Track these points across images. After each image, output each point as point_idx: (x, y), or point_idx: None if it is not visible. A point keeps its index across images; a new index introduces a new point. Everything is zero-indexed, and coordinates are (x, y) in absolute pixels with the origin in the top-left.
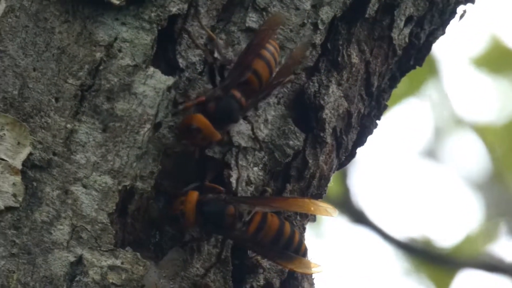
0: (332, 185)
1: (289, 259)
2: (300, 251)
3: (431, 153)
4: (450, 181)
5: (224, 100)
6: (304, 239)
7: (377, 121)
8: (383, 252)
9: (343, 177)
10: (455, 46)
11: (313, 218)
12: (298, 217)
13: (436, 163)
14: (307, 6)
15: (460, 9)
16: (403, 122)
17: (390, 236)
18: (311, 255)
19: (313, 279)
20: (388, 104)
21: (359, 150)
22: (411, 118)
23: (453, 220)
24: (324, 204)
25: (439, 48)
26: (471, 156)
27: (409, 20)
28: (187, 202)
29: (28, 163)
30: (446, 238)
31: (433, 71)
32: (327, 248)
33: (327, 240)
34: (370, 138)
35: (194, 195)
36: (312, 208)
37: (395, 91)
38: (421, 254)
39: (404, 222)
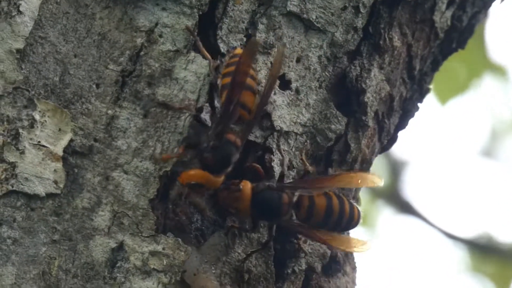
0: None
1: (338, 239)
2: (353, 219)
3: (488, 151)
4: (506, 178)
5: (221, 149)
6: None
7: (419, 104)
8: (442, 248)
9: (396, 171)
10: None
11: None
12: None
13: (493, 161)
14: None
15: None
16: (460, 118)
17: (443, 230)
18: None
19: (355, 263)
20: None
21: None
22: (468, 114)
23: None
24: (369, 175)
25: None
26: None
27: (451, 2)
28: (241, 200)
29: (69, 150)
30: (504, 233)
31: (496, 70)
32: (376, 239)
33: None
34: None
35: (247, 190)
36: (359, 181)
37: (452, 85)
38: (479, 248)
39: (461, 217)
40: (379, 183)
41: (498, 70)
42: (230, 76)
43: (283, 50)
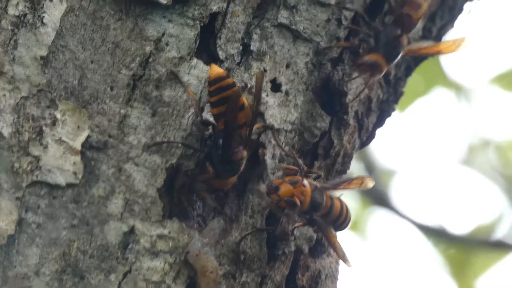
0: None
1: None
2: (349, 222)
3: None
4: (478, 180)
5: (233, 168)
6: None
7: (394, 106)
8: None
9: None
10: (478, 67)
11: None
12: None
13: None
14: (332, 2)
15: (467, 6)
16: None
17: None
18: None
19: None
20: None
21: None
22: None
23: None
24: (369, 178)
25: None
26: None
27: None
28: (306, 195)
29: (87, 145)
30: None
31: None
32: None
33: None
34: (389, 121)
35: (309, 187)
36: (364, 183)
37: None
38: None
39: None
40: (371, 184)
41: (452, 84)
42: (218, 106)
43: (262, 75)
